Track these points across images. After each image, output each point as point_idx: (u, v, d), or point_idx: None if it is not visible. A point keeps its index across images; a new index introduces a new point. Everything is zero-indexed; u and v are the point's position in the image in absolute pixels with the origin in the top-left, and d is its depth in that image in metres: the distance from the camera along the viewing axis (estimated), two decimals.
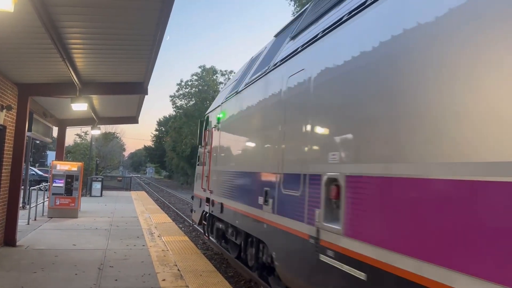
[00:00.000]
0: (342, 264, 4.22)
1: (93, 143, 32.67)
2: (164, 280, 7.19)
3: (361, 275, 3.88)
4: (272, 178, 6.43)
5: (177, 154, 64.04)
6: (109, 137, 50.60)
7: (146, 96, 11.63)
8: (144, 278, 7.26)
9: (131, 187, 37.32)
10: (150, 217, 16.05)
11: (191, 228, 17.23)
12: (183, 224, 18.18)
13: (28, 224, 12.70)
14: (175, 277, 7.40)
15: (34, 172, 32.65)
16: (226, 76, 62.54)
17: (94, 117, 16.39)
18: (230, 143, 9.06)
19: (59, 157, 17.77)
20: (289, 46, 6.58)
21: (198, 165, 12.54)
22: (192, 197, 13.25)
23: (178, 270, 7.94)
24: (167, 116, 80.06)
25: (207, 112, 11.98)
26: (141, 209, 18.77)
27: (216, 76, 62.39)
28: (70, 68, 8.42)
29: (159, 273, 7.61)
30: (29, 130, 12.38)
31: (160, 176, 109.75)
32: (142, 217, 15.77)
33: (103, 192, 25.69)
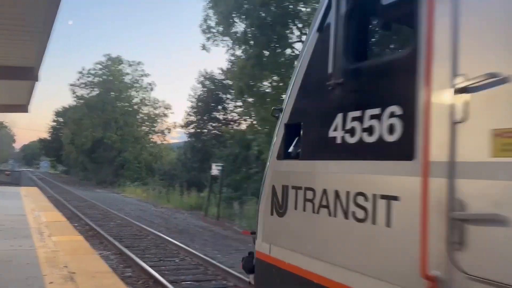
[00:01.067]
0: None
1: None
2: (51, 282, 6.71)
3: None
4: None
5: (76, 147, 60.54)
6: None
7: (40, 83, 10.72)
8: (29, 281, 6.70)
9: (21, 182, 34.78)
10: (41, 215, 14.94)
11: (87, 227, 16.37)
12: (79, 223, 17.30)
13: None
14: (64, 279, 6.96)
15: None
16: (134, 67, 60.13)
17: None
18: None
19: None
20: None
21: (301, 157, 3.51)
22: (249, 258, 4.21)
23: (69, 271, 7.47)
24: (67, 106, 74.76)
25: None
26: (31, 207, 17.47)
27: (123, 67, 59.75)
28: None
29: (46, 276, 7.10)
30: None
31: (56, 171, 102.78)
32: (31, 216, 14.65)
33: None
